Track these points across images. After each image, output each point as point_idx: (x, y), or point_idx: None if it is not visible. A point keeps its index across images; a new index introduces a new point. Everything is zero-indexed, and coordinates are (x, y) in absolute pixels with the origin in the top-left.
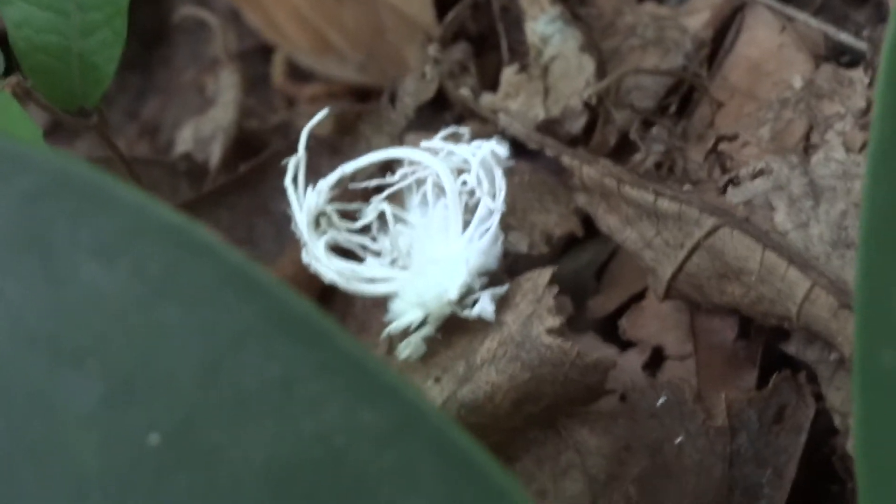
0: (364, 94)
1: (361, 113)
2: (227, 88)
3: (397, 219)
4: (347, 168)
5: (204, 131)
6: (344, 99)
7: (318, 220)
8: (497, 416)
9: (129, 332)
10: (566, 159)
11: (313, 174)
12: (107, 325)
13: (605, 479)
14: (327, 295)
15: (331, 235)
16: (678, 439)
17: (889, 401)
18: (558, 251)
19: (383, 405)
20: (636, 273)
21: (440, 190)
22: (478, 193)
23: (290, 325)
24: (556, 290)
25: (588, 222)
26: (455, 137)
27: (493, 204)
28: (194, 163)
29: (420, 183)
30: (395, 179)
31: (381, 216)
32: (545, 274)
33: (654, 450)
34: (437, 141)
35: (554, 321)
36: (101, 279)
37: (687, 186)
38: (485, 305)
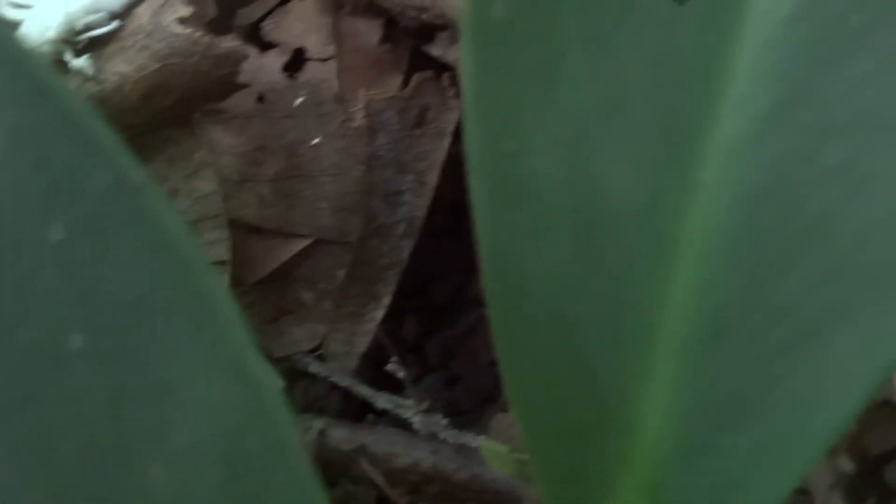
0: None
1: None
2: None
3: None
4: None
5: None
6: None
7: None
8: (124, 110)
9: None
10: None
11: None
12: None
13: (239, 179)
14: None
15: None
16: (315, 140)
17: (497, 50)
18: None
19: None
20: None
21: None
22: None
23: None
24: None
25: None
26: None
27: None
28: None
29: None
30: None
31: None
32: None
33: (290, 151)
34: None
35: (186, 10)
36: None
37: None
38: (83, 62)
